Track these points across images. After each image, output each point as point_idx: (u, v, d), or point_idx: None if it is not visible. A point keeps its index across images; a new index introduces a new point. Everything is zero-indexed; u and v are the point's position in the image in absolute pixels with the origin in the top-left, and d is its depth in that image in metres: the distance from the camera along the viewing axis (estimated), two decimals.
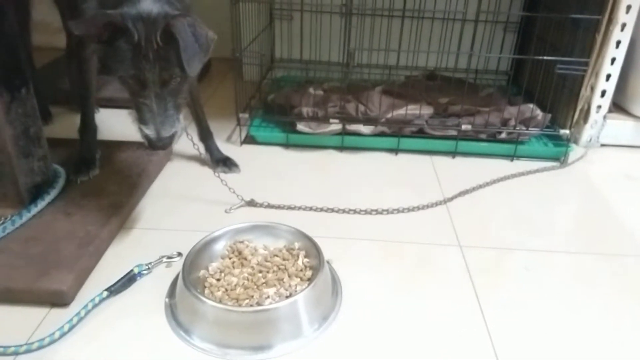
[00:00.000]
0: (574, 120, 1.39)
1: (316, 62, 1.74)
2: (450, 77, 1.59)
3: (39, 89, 1.11)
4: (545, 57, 1.33)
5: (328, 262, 0.91)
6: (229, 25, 1.29)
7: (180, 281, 0.81)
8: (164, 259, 0.92)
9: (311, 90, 1.48)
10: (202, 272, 0.86)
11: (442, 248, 1.00)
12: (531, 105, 1.39)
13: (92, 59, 1.08)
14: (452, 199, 1.17)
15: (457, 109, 1.38)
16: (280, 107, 1.43)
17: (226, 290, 0.82)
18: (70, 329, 0.77)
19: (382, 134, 1.38)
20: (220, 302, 0.79)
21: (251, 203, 1.11)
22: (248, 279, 0.85)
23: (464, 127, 1.35)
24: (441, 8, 1.65)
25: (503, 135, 1.37)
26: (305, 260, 0.89)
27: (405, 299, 0.87)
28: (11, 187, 0.96)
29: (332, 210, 1.10)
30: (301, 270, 0.87)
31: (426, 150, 1.38)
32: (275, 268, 0.87)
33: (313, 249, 0.89)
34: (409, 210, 1.12)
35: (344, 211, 1.10)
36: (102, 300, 0.82)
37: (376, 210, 1.11)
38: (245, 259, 0.89)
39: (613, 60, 1.35)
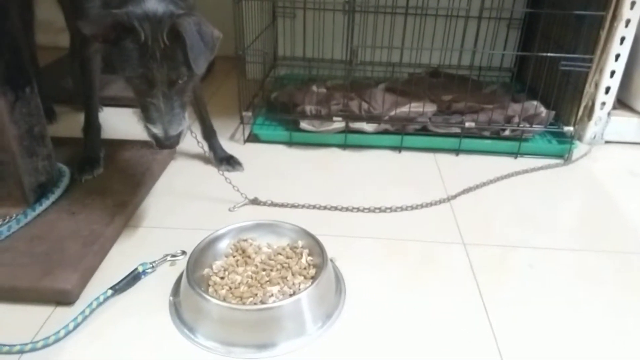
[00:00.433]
0: (578, 117, 1.39)
1: (319, 59, 1.74)
2: (453, 74, 1.59)
3: (42, 88, 1.11)
4: (549, 54, 1.33)
5: (331, 260, 0.91)
6: (232, 24, 1.29)
7: (184, 279, 0.82)
8: (168, 258, 0.92)
9: (314, 88, 1.48)
10: (206, 271, 0.86)
11: (446, 246, 1.00)
12: (535, 102, 1.39)
13: (96, 58, 1.08)
14: (455, 196, 1.17)
15: (460, 106, 1.38)
16: (283, 105, 1.42)
17: (230, 288, 0.83)
18: (75, 328, 0.77)
19: (385, 132, 1.38)
20: (224, 300, 0.79)
21: (255, 201, 1.11)
22: (252, 277, 0.85)
23: (467, 124, 1.34)
24: (444, 5, 1.65)
25: (507, 133, 1.36)
26: (309, 258, 0.90)
27: (409, 297, 0.87)
28: (16, 187, 0.97)
29: (336, 208, 1.10)
30: (305, 268, 0.87)
31: (429, 147, 1.38)
32: (278, 266, 0.87)
33: (316, 247, 0.89)
34: (413, 208, 1.12)
35: (347, 209, 1.10)
36: (106, 299, 0.82)
37: (379, 208, 1.11)
38: (249, 257, 0.89)
39: (617, 56, 1.34)
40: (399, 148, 1.38)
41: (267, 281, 0.84)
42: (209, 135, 1.27)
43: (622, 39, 1.32)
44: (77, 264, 0.85)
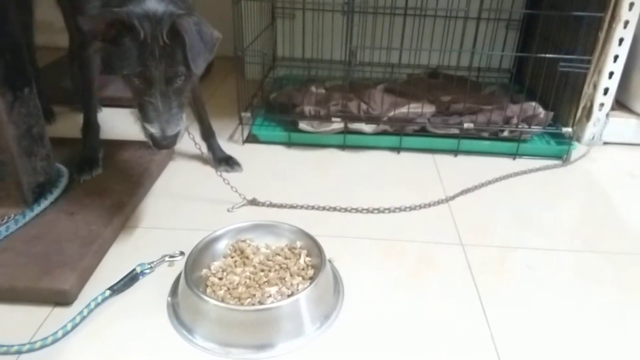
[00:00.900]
0: (576, 118, 1.39)
1: (318, 60, 1.74)
2: (452, 75, 1.59)
3: (41, 89, 1.11)
4: (547, 55, 1.33)
5: (330, 261, 0.91)
6: (231, 24, 1.29)
7: (182, 280, 0.82)
8: (167, 258, 0.92)
9: (313, 88, 1.48)
10: (204, 271, 0.86)
11: (444, 247, 1.00)
12: (533, 103, 1.39)
13: (95, 59, 1.08)
14: (454, 197, 1.17)
15: (459, 107, 1.38)
16: (282, 105, 1.43)
17: (228, 289, 0.83)
18: (73, 328, 0.77)
19: (384, 133, 1.38)
20: (222, 301, 0.79)
21: (253, 202, 1.11)
22: (250, 278, 0.85)
23: (466, 125, 1.35)
24: (443, 6, 1.65)
25: (505, 134, 1.37)
26: (307, 259, 0.90)
27: (407, 298, 0.87)
28: (14, 187, 0.97)
29: (334, 209, 1.10)
30: (303, 269, 0.87)
31: (428, 148, 1.38)
32: (277, 267, 0.87)
33: (315, 248, 0.89)
34: (411, 209, 1.12)
35: (345, 210, 1.10)
36: (104, 299, 0.82)
37: (378, 209, 1.11)
38: (247, 257, 0.89)
39: (616, 57, 1.35)
40: (397, 149, 1.38)
41: (266, 282, 0.84)
42: (208, 135, 1.27)
43: (621, 40, 1.32)
44: (75, 265, 0.85)
